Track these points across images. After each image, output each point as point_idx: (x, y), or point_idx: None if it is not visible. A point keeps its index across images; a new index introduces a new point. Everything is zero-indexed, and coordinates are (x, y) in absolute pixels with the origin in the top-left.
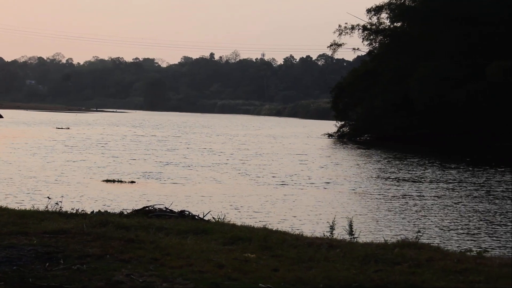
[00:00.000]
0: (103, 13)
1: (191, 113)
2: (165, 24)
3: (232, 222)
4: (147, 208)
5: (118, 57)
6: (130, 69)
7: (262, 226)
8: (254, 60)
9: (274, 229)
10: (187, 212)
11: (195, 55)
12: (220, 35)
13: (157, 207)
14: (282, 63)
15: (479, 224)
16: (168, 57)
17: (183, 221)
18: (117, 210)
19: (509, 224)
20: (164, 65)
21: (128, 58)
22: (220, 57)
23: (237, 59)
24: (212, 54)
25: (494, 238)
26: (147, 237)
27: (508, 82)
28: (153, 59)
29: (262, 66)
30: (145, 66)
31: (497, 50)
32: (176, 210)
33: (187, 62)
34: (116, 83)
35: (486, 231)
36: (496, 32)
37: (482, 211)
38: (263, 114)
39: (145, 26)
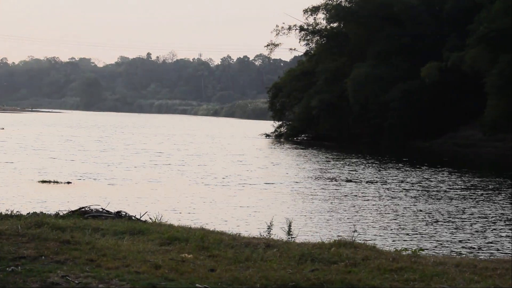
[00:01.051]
0: (38, 13)
1: (127, 113)
2: (102, 24)
3: (169, 223)
4: (83, 209)
5: (54, 57)
6: (66, 69)
7: (199, 226)
8: (191, 60)
9: (211, 229)
10: (124, 213)
11: (131, 55)
12: (157, 35)
13: (93, 207)
14: (219, 63)
15: (414, 223)
16: (104, 57)
17: (120, 221)
18: (52, 211)
19: (443, 223)
20: (100, 65)
21: (64, 58)
22: (157, 57)
23: (174, 59)
24: (149, 54)
25: (429, 237)
26: (83, 238)
27: (442, 82)
28: (89, 59)
29: (199, 66)
30: (81, 66)
31: (430, 50)
32: (112, 211)
33: (124, 62)
34: (51, 83)
35: (421, 230)
36: (427, 33)
37: (417, 210)
38: (200, 114)
39: (81, 26)
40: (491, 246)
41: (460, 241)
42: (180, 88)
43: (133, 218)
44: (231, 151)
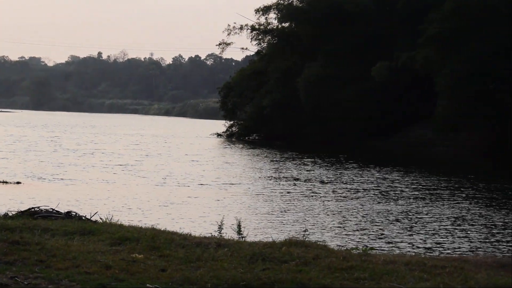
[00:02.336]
0: None
1: (78, 112)
2: (52, 22)
3: (119, 223)
4: (32, 209)
5: (3, 56)
6: (16, 68)
7: (150, 226)
8: (143, 60)
9: (162, 229)
10: (74, 213)
11: (82, 54)
12: (108, 34)
13: (43, 208)
14: (171, 62)
15: (365, 222)
16: (55, 56)
17: (70, 222)
18: (1, 212)
19: (394, 222)
20: (51, 64)
21: (14, 57)
22: (108, 56)
23: (125, 58)
24: (100, 53)
25: (380, 236)
26: (33, 238)
27: (393, 82)
28: (39, 58)
29: (151, 65)
30: (31, 65)
31: (381, 50)
32: (62, 211)
33: (74, 61)
34: (0, 82)
35: (372, 230)
36: (378, 33)
37: (368, 209)
38: (151, 114)
39: (31, 25)
40: (441, 244)
41: (410, 240)
42: (131, 88)
43: (83, 218)
44: (183, 151)
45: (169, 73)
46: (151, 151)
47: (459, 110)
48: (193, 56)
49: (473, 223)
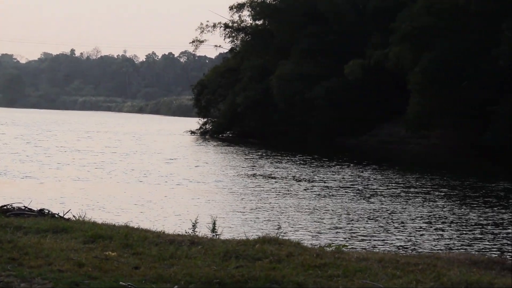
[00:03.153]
0: None
1: (51, 110)
2: (24, 19)
3: (93, 221)
4: (5, 207)
5: None
6: None
7: (123, 224)
8: (116, 57)
9: (135, 227)
10: (47, 211)
11: (55, 51)
12: (80, 31)
13: (15, 205)
14: (144, 59)
15: (338, 220)
16: (27, 53)
17: (43, 220)
18: None
19: (367, 219)
20: (23, 61)
21: None
22: (81, 53)
23: (98, 56)
24: (72, 50)
25: (353, 234)
26: (5, 236)
27: (366, 80)
28: (11, 55)
29: (124, 62)
30: (3, 62)
31: (354, 48)
32: (35, 209)
33: (47, 58)
34: None
35: (345, 227)
36: (351, 31)
37: (342, 207)
38: (125, 111)
39: (2, 21)
40: (414, 242)
41: (383, 238)
42: (105, 85)
43: (56, 216)
44: (157, 149)
45: (143, 70)
46: (124, 149)
47: (431, 108)
48: (167, 53)
49: (446, 221)
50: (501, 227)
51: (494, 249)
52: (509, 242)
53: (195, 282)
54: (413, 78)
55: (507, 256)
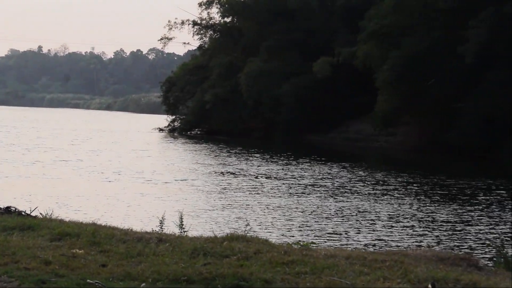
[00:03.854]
0: None
1: (19, 107)
2: None
3: (60, 218)
4: None
5: None
6: None
7: (91, 221)
8: (84, 54)
9: (103, 224)
10: (13, 208)
11: (22, 48)
12: (48, 28)
13: None
14: (112, 56)
15: (306, 217)
16: None
17: (9, 217)
18: None
19: (334, 217)
20: None
21: None
22: (49, 50)
23: (66, 52)
24: (40, 47)
25: (321, 231)
26: None
27: (334, 77)
28: None
29: (92, 59)
30: None
31: (322, 46)
32: (1, 207)
33: (14, 55)
34: None
35: (313, 224)
36: (319, 28)
37: (310, 204)
38: (93, 108)
39: None
40: (381, 239)
41: (351, 235)
42: (73, 82)
43: (23, 213)
44: (125, 146)
45: (111, 67)
46: (92, 146)
47: (398, 106)
48: (135, 50)
49: (413, 218)
50: (467, 225)
51: (461, 246)
52: (475, 239)
53: (162, 279)
54: (380, 75)
55: (474, 253)
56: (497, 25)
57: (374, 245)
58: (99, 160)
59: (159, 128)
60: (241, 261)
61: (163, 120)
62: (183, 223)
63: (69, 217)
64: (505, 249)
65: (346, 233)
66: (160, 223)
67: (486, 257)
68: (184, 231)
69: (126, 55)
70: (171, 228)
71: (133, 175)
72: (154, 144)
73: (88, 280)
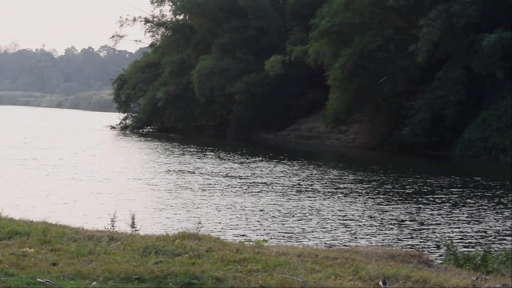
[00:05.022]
0: None
1: None
2: None
3: (9, 217)
4: None
5: None
6: None
7: (41, 220)
8: (34, 51)
9: (54, 223)
10: None
11: None
12: None
13: None
14: (64, 54)
15: (258, 215)
16: None
17: None
18: None
19: (287, 215)
20: None
21: None
22: None
23: (16, 49)
24: None
25: (273, 229)
26: None
27: (286, 75)
28: None
29: (43, 57)
30: None
31: (274, 43)
32: None
33: None
34: None
35: (265, 222)
36: (271, 26)
37: (261, 203)
38: (43, 106)
39: None
40: (333, 236)
41: (303, 233)
42: (23, 79)
43: None
44: (77, 144)
45: (62, 64)
46: (43, 144)
47: (350, 103)
48: (86, 48)
49: (365, 216)
50: (418, 222)
51: (412, 244)
52: (426, 237)
53: (114, 278)
54: (332, 73)
55: (424, 250)
56: (447, 24)
57: (325, 242)
58: (50, 158)
59: (111, 126)
60: (193, 259)
61: (115, 117)
62: (134, 221)
63: (19, 216)
64: (455, 246)
65: (298, 231)
66: (111, 221)
67: (437, 254)
68: (135, 230)
69: (77, 52)
70: (122, 226)
71: (85, 173)
72: (106, 142)
73: (38, 279)
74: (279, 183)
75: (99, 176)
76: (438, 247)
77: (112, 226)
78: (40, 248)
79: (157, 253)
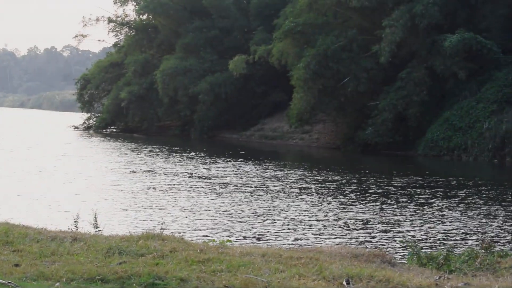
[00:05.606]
0: None
1: None
2: None
3: None
4: None
5: None
6: None
7: (3, 221)
8: None
9: (16, 223)
10: None
11: None
12: None
13: None
14: (26, 53)
15: (222, 215)
16: None
17: None
18: None
19: (250, 215)
20: None
21: None
22: None
23: None
24: None
25: (237, 229)
26: None
27: (250, 75)
28: None
29: (5, 56)
30: None
31: (238, 43)
32: None
33: None
34: None
35: (229, 222)
36: (235, 26)
37: (225, 203)
38: (6, 106)
39: None
40: (298, 236)
41: (267, 233)
42: None
43: None
44: (41, 144)
45: (24, 64)
46: (6, 144)
47: (313, 104)
48: (49, 47)
49: (328, 216)
50: (382, 222)
51: (376, 243)
52: (389, 236)
53: (77, 279)
54: (296, 73)
55: (387, 250)
56: (410, 25)
57: (290, 243)
58: (13, 158)
59: (74, 126)
60: (157, 259)
61: (78, 117)
62: (98, 222)
63: None
64: (418, 246)
65: (263, 232)
66: (75, 222)
67: (400, 254)
68: (99, 230)
69: (40, 52)
70: (86, 227)
71: (48, 173)
72: (69, 142)
73: (0, 280)
74: (243, 184)
75: (62, 177)
76: (401, 246)
77: (76, 226)
78: (2, 249)
79: (120, 253)
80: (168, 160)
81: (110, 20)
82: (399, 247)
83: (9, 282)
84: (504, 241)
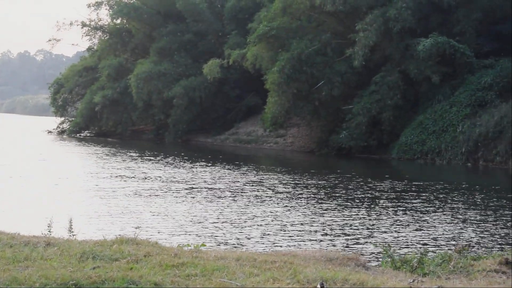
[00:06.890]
0: None
1: None
2: None
3: None
4: None
5: None
6: None
7: None
8: None
9: None
10: None
11: None
12: None
13: None
14: None
15: (196, 220)
16: None
17: None
18: None
19: (225, 219)
20: None
21: None
22: None
23: None
24: None
25: (211, 234)
26: None
27: (224, 79)
28: None
29: None
30: None
31: (212, 47)
32: None
33: None
34: None
35: (204, 227)
36: (209, 30)
37: (199, 208)
38: None
39: None
40: (272, 240)
41: (241, 237)
42: None
43: None
44: (14, 148)
45: None
46: None
47: (288, 107)
48: (22, 51)
49: (302, 219)
50: (356, 225)
51: (350, 247)
52: (364, 239)
53: (50, 284)
54: (270, 77)
55: (361, 253)
56: (383, 29)
57: (264, 247)
58: None
59: (48, 130)
60: (131, 264)
61: (52, 122)
62: (72, 226)
63: None
64: (392, 249)
65: (236, 235)
66: (48, 226)
67: (374, 257)
68: (73, 235)
69: (13, 56)
70: (60, 232)
71: (22, 178)
72: (43, 146)
73: None
74: (218, 188)
75: (36, 181)
76: (375, 250)
77: (49, 231)
78: None
79: (94, 258)
80: (142, 165)
81: (84, 24)
82: (374, 251)
83: None
84: (477, 245)
